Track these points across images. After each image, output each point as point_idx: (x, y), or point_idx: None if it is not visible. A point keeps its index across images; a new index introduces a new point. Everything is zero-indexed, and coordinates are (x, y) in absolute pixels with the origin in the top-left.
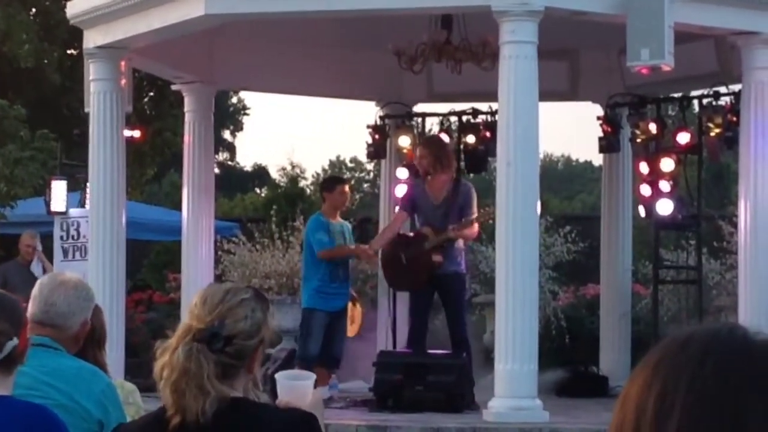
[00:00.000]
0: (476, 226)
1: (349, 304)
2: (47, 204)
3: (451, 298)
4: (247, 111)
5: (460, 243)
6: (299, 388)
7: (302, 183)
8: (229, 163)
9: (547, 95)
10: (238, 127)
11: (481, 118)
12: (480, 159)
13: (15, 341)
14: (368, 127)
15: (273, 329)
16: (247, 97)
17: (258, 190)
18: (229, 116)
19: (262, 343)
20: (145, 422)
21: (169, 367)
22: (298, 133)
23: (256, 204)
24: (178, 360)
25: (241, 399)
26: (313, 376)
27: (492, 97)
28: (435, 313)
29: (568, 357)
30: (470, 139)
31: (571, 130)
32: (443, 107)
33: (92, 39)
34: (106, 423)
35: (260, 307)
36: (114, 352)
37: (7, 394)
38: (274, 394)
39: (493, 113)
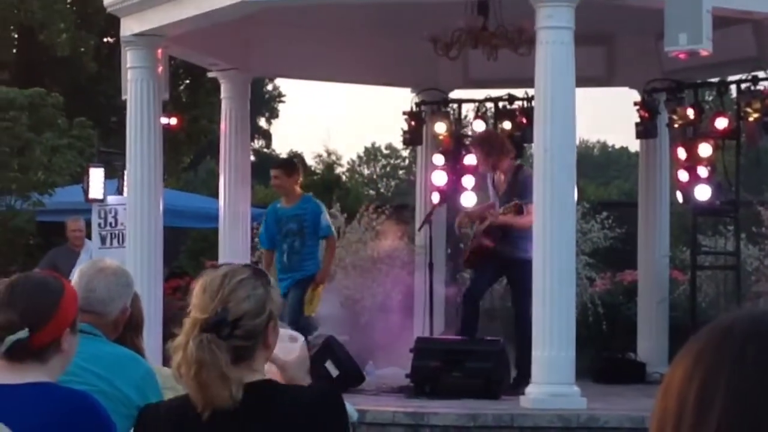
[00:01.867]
0: (531, 212)
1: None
2: (85, 191)
3: (515, 284)
4: (283, 98)
5: (529, 230)
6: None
7: (338, 170)
8: (265, 150)
9: (583, 81)
10: (273, 114)
11: (517, 104)
12: (516, 145)
13: (21, 335)
14: (404, 113)
15: (279, 302)
16: (283, 84)
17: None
18: (264, 103)
19: (271, 318)
20: (172, 406)
21: (186, 364)
22: (333, 120)
23: None
24: (191, 354)
25: (259, 382)
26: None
27: (528, 83)
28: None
29: (606, 343)
30: (506, 125)
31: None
32: (479, 93)
33: (129, 27)
34: None
35: (261, 283)
36: (151, 339)
37: (49, 381)
38: (317, 378)
39: (529, 99)
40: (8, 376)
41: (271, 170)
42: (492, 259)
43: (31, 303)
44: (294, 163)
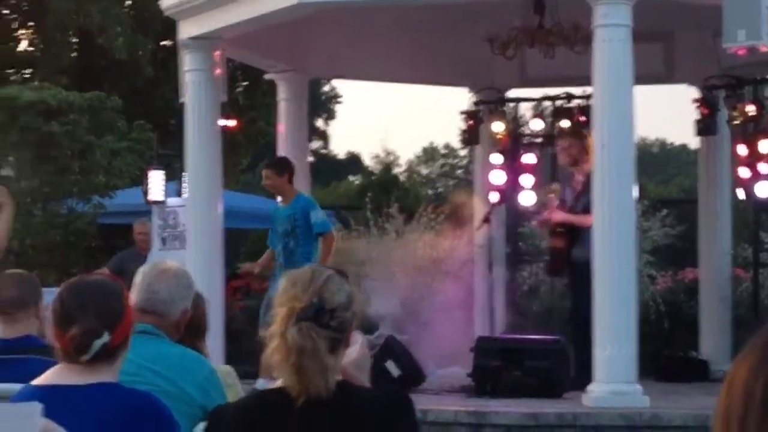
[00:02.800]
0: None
1: None
2: (145, 194)
3: (576, 285)
4: (340, 99)
5: None
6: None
7: (396, 170)
8: (323, 151)
9: (641, 78)
10: (330, 115)
11: (575, 102)
12: None
13: (105, 338)
14: (462, 113)
15: (361, 303)
16: (340, 84)
17: (351, 178)
18: (321, 104)
19: (356, 315)
20: (246, 405)
21: (284, 350)
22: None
23: (350, 191)
24: (293, 341)
25: (344, 382)
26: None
27: (586, 81)
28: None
29: (668, 342)
30: (564, 123)
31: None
32: (536, 92)
33: (186, 30)
34: (210, 408)
35: (346, 281)
36: (213, 340)
37: (113, 381)
38: (372, 380)
39: (587, 97)
40: (75, 377)
41: (263, 170)
42: (567, 264)
43: (103, 306)
44: (284, 161)
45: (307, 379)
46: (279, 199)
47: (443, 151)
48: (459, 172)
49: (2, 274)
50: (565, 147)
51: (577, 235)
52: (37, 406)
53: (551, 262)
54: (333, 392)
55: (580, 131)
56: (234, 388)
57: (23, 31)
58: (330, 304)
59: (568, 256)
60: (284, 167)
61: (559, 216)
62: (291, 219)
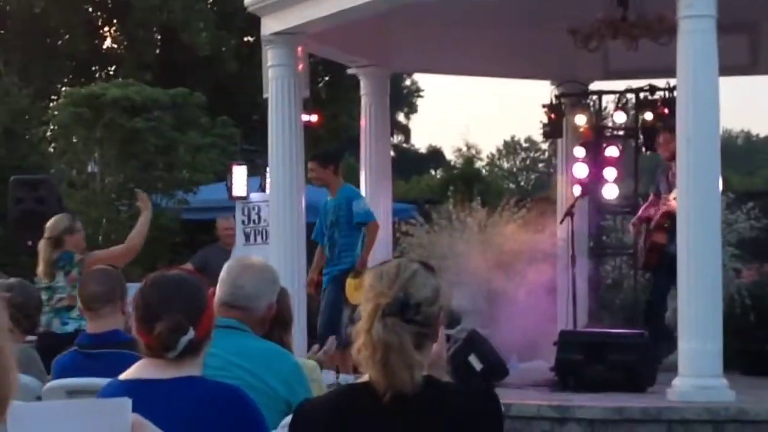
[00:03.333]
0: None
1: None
2: (229, 189)
3: (661, 276)
4: (421, 93)
5: None
6: None
7: (478, 164)
8: (404, 145)
9: (726, 69)
10: (412, 109)
11: (658, 94)
12: (657, 136)
13: (190, 334)
14: (544, 106)
15: (449, 297)
16: (421, 78)
17: (433, 172)
18: (403, 99)
19: (442, 309)
20: (332, 400)
21: (370, 346)
22: (472, 113)
23: (432, 186)
24: (378, 336)
25: (430, 377)
26: None
27: (670, 72)
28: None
29: (753, 335)
30: (648, 116)
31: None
32: (619, 84)
33: (269, 26)
34: (294, 402)
35: (432, 275)
36: (296, 335)
37: (198, 375)
38: (455, 374)
39: (671, 89)
40: (161, 371)
41: (308, 163)
42: (663, 258)
43: (187, 302)
44: (329, 153)
45: (392, 375)
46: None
47: (525, 145)
48: (540, 165)
49: (87, 273)
50: (663, 143)
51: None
52: (127, 402)
53: (650, 257)
54: (419, 388)
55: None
56: (318, 383)
57: (107, 29)
58: (415, 299)
59: (665, 250)
60: (328, 159)
61: (673, 205)
62: (336, 210)
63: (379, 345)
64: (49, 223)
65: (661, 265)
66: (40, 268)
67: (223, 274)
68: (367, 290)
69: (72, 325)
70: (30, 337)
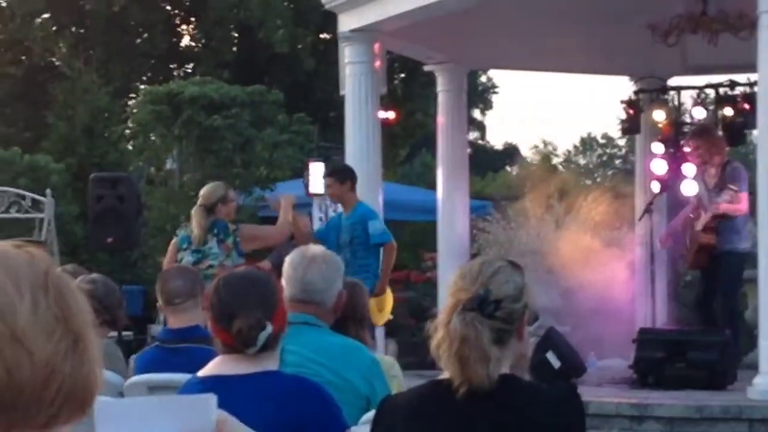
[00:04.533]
0: (742, 201)
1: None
2: (306, 186)
3: (720, 276)
4: (496, 89)
5: (738, 222)
6: None
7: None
8: (480, 142)
9: None
10: (487, 105)
11: (738, 89)
12: (737, 131)
13: (269, 330)
14: (622, 102)
15: (533, 295)
16: (496, 75)
17: (509, 169)
18: (478, 95)
19: (527, 307)
20: (414, 395)
21: (447, 340)
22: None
23: (509, 182)
24: (455, 330)
25: (509, 375)
26: None
27: (750, 68)
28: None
29: None
30: (728, 111)
31: None
32: (698, 80)
33: (346, 23)
34: (373, 398)
35: (518, 273)
36: (377, 331)
37: (275, 369)
38: (532, 371)
39: (751, 84)
40: (239, 367)
41: (324, 178)
42: (712, 258)
43: (262, 297)
44: (346, 169)
45: (468, 369)
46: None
47: (601, 141)
48: (617, 162)
49: (167, 269)
50: (692, 150)
51: (722, 228)
52: (212, 398)
53: (699, 258)
54: (496, 384)
55: (709, 130)
56: (397, 380)
57: (185, 27)
58: (496, 295)
59: (714, 251)
60: (346, 175)
61: (723, 207)
62: (351, 229)
63: (455, 338)
64: (203, 191)
65: (711, 265)
66: (195, 233)
67: (288, 269)
68: (449, 287)
69: None
70: (111, 333)
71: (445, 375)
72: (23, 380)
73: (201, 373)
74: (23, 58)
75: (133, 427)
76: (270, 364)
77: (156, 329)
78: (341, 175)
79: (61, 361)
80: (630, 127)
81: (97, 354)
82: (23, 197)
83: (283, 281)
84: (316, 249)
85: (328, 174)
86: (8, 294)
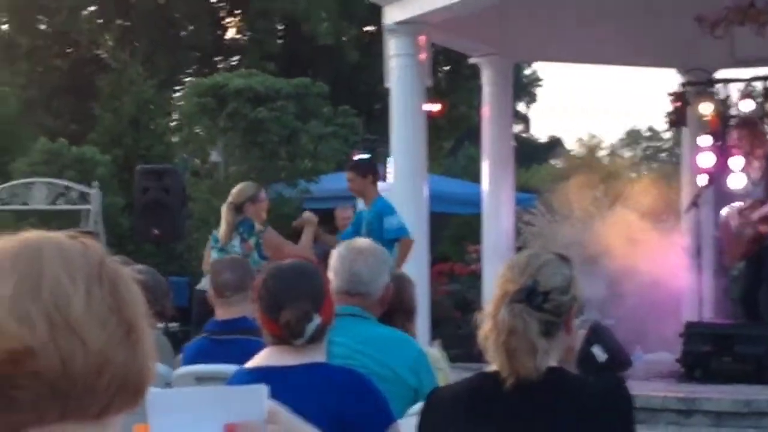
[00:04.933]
0: None
1: None
2: None
3: (754, 266)
4: (540, 82)
5: None
6: None
7: (599, 153)
8: (524, 135)
9: None
10: (532, 98)
11: None
12: None
13: (316, 321)
14: (669, 94)
15: (582, 289)
16: (541, 67)
17: (553, 161)
18: (522, 88)
19: (575, 300)
20: (463, 387)
21: (495, 331)
22: (593, 103)
23: (553, 175)
24: (503, 322)
25: (557, 368)
26: None
27: None
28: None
29: None
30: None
31: None
32: (746, 72)
33: (391, 15)
34: (420, 390)
35: (566, 265)
36: (419, 324)
37: (323, 360)
38: (578, 365)
39: None
40: (287, 358)
41: (346, 172)
42: (759, 249)
43: (310, 288)
44: (368, 163)
45: (516, 361)
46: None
47: (646, 134)
48: (662, 155)
49: (218, 260)
50: (735, 142)
51: None
52: (263, 388)
53: (751, 247)
54: (544, 376)
55: (749, 120)
56: (443, 372)
57: (230, 19)
58: (544, 287)
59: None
60: (367, 169)
61: None
62: (369, 223)
63: (503, 330)
64: (234, 189)
65: (758, 256)
66: (222, 230)
67: (335, 262)
68: (497, 279)
69: None
70: (159, 324)
71: (492, 367)
72: (77, 369)
73: (249, 364)
74: (70, 50)
75: (184, 418)
76: (318, 355)
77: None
78: (362, 169)
79: (115, 350)
80: (677, 119)
81: (150, 344)
82: (70, 189)
83: (330, 273)
84: (363, 242)
85: (350, 168)
86: (62, 284)
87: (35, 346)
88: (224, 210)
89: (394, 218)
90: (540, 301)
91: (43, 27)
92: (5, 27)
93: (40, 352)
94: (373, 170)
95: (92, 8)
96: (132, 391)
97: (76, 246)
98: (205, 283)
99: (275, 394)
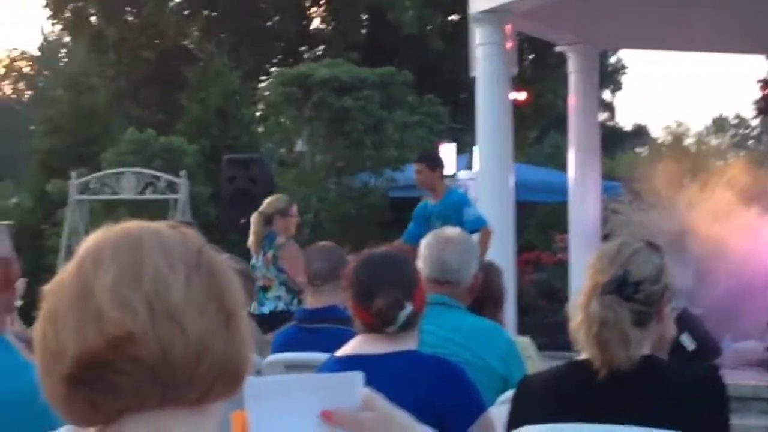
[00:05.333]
0: None
1: None
2: None
3: None
4: (626, 70)
5: None
6: None
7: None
8: (609, 123)
9: None
10: (617, 86)
11: None
12: None
13: (408, 309)
14: (758, 81)
15: (672, 276)
16: (625, 55)
17: (638, 150)
18: (607, 76)
19: (667, 288)
20: (553, 376)
21: (587, 323)
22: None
23: (639, 163)
24: (595, 313)
25: (650, 356)
26: None
27: None
28: None
29: None
30: None
31: None
32: None
33: (477, 4)
34: (510, 378)
35: (656, 254)
36: (506, 313)
37: (414, 349)
38: (670, 354)
39: None
40: (378, 347)
41: (414, 164)
42: None
43: (401, 276)
44: (436, 156)
45: (609, 352)
46: (430, 197)
47: (734, 122)
48: (750, 143)
49: (312, 247)
50: None
51: None
52: (359, 376)
53: None
54: (637, 365)
55: None
56: (532, 360)
57: (315, 9)
58: (635, 277)
59: None
60: (437, 162)
61: None
62: (444, 215)
63: (595, 321)
64: (266, 200)
65: None
66: (251, 240)
67: (423, 251)
68: (587, 269)
69: (267, 306)
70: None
71: (582, 355)
72: (176, 356)
73: (340, 352)
74: (157, 41)
75: (281, 405)
76: (409, 344)
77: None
78: (432, 162)
79: (214, 338)
80: (766, 106)
81: (248, 333)
82: (158, 178)
83: (419, 262)
84: (451, 231)
85: (419, 160)
86: (162, 272)
87: (136, 333)
88: (254, 219)
89: (472, 209)
90: (631, 291)
91: (130, 18)
92: (93, 19)
93: (140, 338)
94: (441, 163)
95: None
96: (230, 378)
97: (175, 235)
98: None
99: (366, 382)
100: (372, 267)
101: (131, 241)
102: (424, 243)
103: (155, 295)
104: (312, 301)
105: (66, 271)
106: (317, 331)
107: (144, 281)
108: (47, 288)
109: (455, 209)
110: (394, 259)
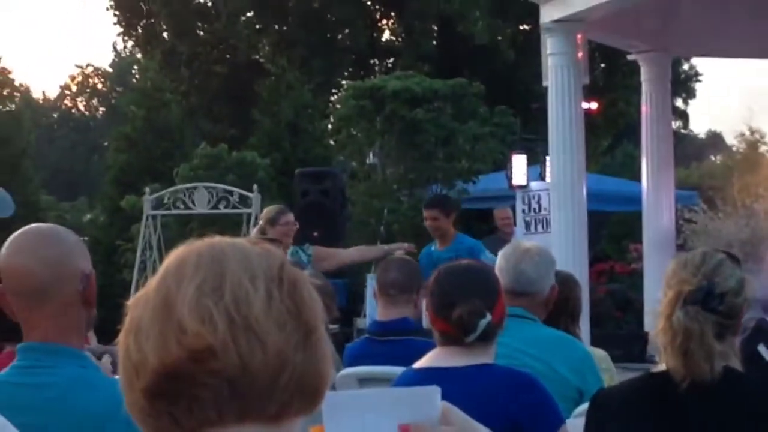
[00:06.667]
0: None
1: None
2: (509, 178)
3: None
4: (699, 77)
5: None
6: None
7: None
8: (682, 131)
9: None
10: (690, 94)
11: None
12: None
13: (488, 318)
14: None
15: (754, 289)
16: (699, 63)
17: (713, 158)
18: (680, 83)
19: (746, 301)
20: (630, 388)
21: (670, 333)
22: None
23: (714, 171)
24: (679, 323)
25: (731, 369)
26: None
27: None
28: None
29: None
30: None
31: None
32: None
33: (549, 14)
34: (585, 391)
35: (737, 266)
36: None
37: (491, 362)
38: (744, 364)
39: None
40: (455, 359)
41: (426, 209)
42: None
43: (482, 287)
44: (450, 200)
45: (692, 363)
46: (436, 242)
47: None
48: None
49: (390, 258)
50: None
51: None
52: (437, 390)
53: None
54: (718, 378)
55: None
56: (609, 373)
57: (385, 22)
58: (720, 288)
59: None
60: (453, 207)
61: None
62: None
63: (679, 332)
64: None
65: None
66: None
67: (501, 262)
68: (669, 277)
69: None
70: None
71: (659, 367)
72: (256, 369)
73: (418, 364)
74: (228, 56)
75: (359, 420)
76: (486, 357)
77: (362, 322)
78: (448, 207)
79: (293, 352)
80: None
81: (328, 349)
82: (231, 193)
83: (496, 272)
84: (529, 243)
85: (433, 206)
86: (243, 286)
87: (216, 346)
88: (252, 233)
89: (486, 254)
90: (716, 303)
91: (202, 34)
92: (166, 34)
93: (220, 351)
94: (457, 208)
95: (250, 14)
96: (310, 393)
97: (257, 250)
98: None
99: (444, 395)
100: (454, 277)
101: (214, 254)
102: (502, 254)
103: (235, 308)
104: (383, 313)
105: (150, 284)
106: (389, 344)
107: (225, 294)
108: (131, 301)
109: (469, 255)
110: (476, 269)
